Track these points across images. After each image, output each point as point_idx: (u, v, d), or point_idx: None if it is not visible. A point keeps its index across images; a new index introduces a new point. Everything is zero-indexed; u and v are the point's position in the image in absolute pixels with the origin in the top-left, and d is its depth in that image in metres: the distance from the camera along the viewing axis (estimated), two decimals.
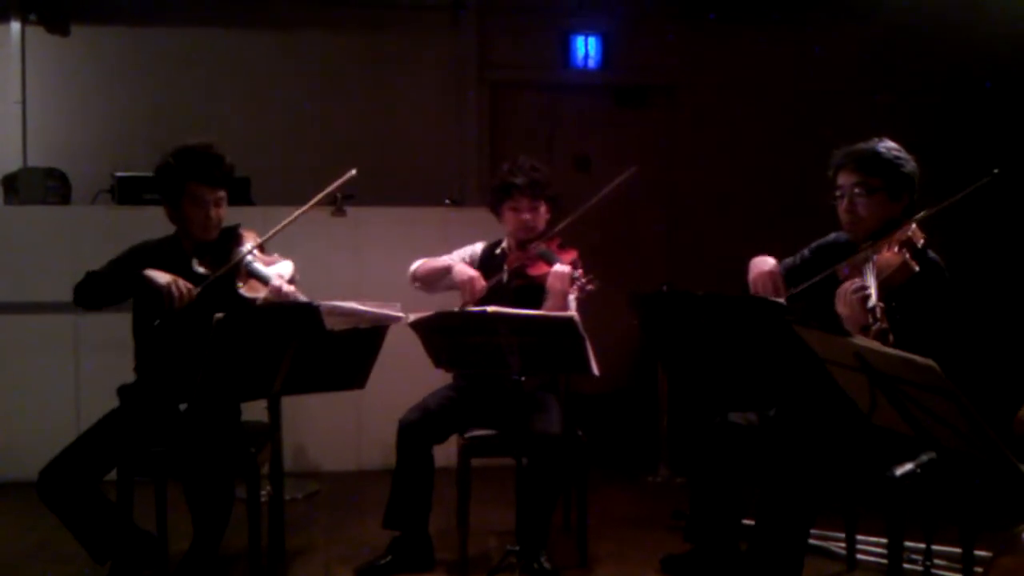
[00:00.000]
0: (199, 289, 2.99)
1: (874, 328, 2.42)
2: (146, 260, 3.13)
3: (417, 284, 3.70)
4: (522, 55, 6.31)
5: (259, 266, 3.11)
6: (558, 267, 3.37)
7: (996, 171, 2.64)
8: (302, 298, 3.01)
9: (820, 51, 6.21)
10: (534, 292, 3.48)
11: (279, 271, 3.11)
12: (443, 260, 3.67)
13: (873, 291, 2.53)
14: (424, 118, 6.17)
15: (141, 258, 3.16)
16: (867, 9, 6.03)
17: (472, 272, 3.53)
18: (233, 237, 3.18)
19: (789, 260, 3.19)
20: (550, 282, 3.37)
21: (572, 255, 3.45)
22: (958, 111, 6.27)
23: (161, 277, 2.97)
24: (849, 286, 2.63)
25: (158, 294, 2.95)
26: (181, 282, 2.97)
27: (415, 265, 3.71)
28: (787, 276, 3.05)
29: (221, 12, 5.92)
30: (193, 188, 3.13)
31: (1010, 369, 5.12)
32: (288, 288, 3.04)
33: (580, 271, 3.30)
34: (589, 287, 3.25)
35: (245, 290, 3.05)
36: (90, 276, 3.12)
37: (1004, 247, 6.08)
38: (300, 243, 4.62)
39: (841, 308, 2.65)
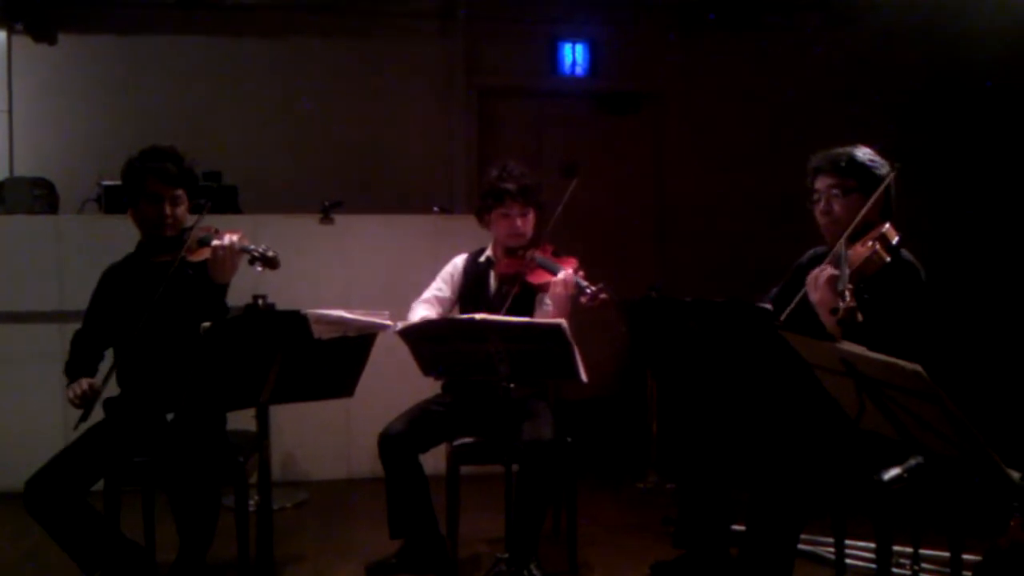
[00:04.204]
0: (99, 381, 3.10)
1: (842, 307, 2.44)
2: (114, 281, 3.28)
3: None
4: (510, 62, 6.33)
5: (199, 234, 3.14)
6: (563, 274, 3.35)
7: (898, 165, 2.76)
8: (250, 245, 3.06)
9: (820, 52, 6.21)
10: (526, 300, 3.47)
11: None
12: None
13: (844, 277, 2.56)
14: (413, 125, 6.19)
15: (110, 281, 3.30)
16: (864, 11, 6.03)
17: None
18: (189, 231, 3.20)
19: (775, 289, 3.20)
20: (555, 290, 3.34)
21: (573, 263, 3.42)
22: (958, 111, 6.27)
23: (68, 394, 3.10)
24: (820, 271, 2.67)
25: None
26: (80, 384, 3.08)
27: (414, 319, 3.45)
28: (776, 304, 3.05)
29: (209, 20, 5.92)
30: (150, 185, 3.18)
31: (998, 372, 5.15)
32: (227, 241, 3.06)
33: (588, 282, 3.27)
34: (602, 295, 3.22)
35: (192, 257, 3.10)
36: (75, 339, 3.32)
37: (1002, 247, 6.09)
38: (288, 251, 4.64)
39: (812, 294, 2.70)
